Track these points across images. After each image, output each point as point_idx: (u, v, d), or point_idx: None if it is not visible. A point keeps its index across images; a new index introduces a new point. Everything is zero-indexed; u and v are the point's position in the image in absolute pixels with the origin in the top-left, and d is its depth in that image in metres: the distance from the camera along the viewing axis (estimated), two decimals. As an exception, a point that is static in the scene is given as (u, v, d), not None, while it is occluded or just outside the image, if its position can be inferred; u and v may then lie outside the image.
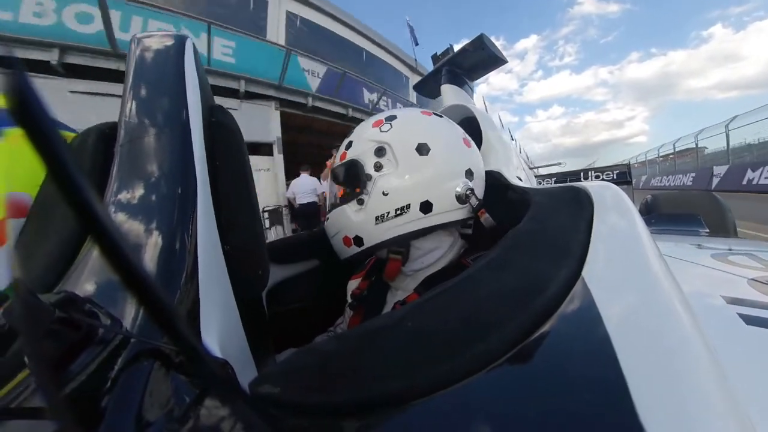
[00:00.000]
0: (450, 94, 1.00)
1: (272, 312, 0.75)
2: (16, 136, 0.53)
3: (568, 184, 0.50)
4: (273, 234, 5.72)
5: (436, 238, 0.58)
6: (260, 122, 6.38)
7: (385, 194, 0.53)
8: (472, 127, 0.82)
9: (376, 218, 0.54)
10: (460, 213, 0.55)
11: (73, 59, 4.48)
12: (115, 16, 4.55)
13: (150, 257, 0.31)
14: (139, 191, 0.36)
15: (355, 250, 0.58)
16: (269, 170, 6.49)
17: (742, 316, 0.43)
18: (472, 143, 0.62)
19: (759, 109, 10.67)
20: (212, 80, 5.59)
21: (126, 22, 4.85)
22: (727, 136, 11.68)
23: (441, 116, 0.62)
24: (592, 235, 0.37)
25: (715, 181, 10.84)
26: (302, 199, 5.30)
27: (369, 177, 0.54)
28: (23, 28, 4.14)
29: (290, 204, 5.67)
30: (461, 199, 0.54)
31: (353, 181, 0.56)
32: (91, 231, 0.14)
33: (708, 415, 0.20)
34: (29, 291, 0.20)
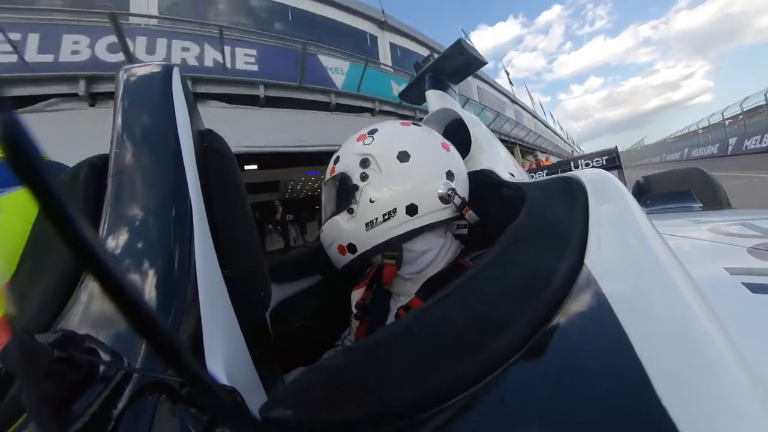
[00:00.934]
0: (435, 99, 1.02)
1: (277, 332, 0.73)
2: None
3: (560, 174, 0.51)
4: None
5: (427, 240, 0.60)
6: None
7: (372, 201, 0.56)
8: (459, 129, 0.83)
9: (366, 225, 0.56)
10: (445, 213, 0.58)
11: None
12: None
13: (149, 287, 0.31)
14: (134, 221, 0.35)
15: (349, 257, 0.60)
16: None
17: (747, 285, 0.43)
18: (452, 147, 0.65)
19: None
20: (352, 101, 6.44)
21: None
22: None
23: (419, 125, 0.66)
24: (590, 222, 0.37)
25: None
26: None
27: (356, 187, 0.57)
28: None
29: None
30: (444, 199, 0.56)
31: (343, 192, 0.59)
32: (86, 265, 0.14)
33: (729, 390, 0.20)
34: (25, 332, 0.19)
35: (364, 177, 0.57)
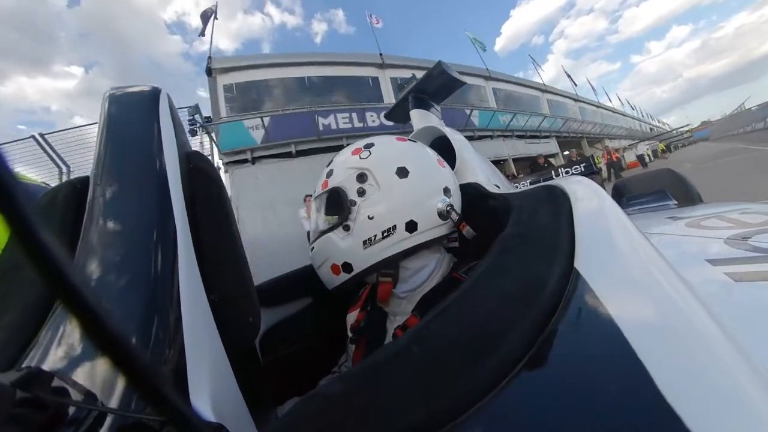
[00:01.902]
0: (419, 118, 1.06)
1: (268, 360, 0.70)
2: None
3: (543, 183, 0.53)
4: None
5: (424, 257, 0.59)
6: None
7: (370, 218, 0.54)
8: (444, 145, 0.85)
9: (364, 242, 0.54)
10: (443, 229, 0.57)
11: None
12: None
13: (128, 316, 0.29)
14: (113, 245, 0.34)
15: (344, 277, 0.57)
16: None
17: (729, 274, 0.45)
18: (445, 163, 0.66)
19: None
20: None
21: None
22: None
23: (414, 141, 0.66)
24: (575, 227, 0.38)
25: None
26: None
27: (353, 203, 0.55)
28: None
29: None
30: (443, 215, 0.56)
31: (337, 208, 0.57)
32: (57, 292, 0.13)
33: (732, 381, 0.20)
34: None
35: (361, 192, 0.55)
